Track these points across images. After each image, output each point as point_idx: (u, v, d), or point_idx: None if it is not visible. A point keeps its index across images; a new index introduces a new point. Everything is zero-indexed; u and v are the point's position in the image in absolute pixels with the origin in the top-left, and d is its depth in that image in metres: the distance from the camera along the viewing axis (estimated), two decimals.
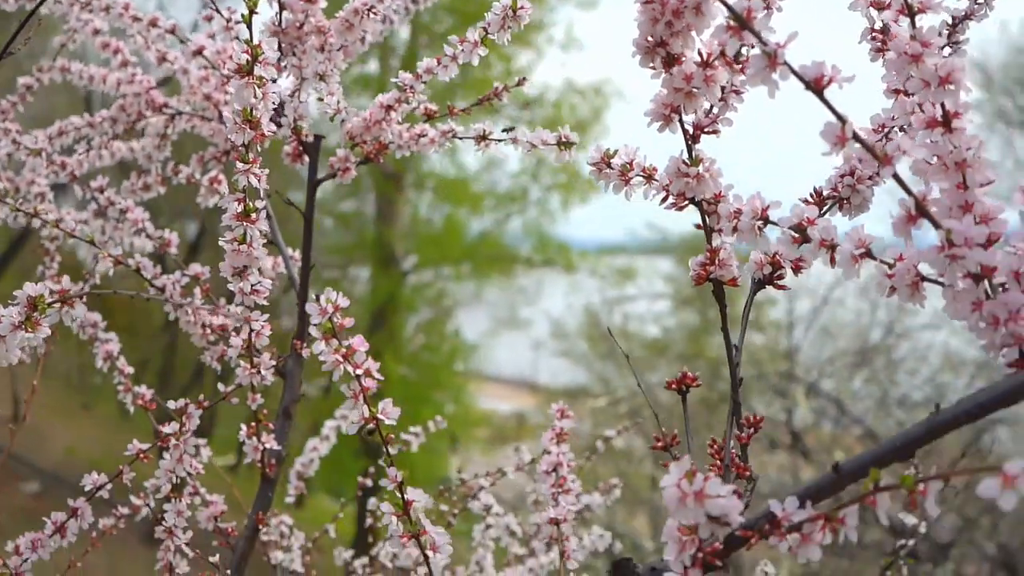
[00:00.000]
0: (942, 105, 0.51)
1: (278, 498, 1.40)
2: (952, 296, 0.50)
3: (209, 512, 0.96)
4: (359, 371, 0.59)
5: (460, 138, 0.92)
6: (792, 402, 5.52)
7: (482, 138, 0.90)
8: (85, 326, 1.07)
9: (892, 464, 0.49)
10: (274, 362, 0.87)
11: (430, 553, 0.61)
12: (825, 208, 0.66)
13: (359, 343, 0.59)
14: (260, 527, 0.95)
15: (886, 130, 0.68)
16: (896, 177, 0.49)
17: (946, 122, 0.51)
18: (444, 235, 11.32)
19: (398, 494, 0.61)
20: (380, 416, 0.60)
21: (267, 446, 0.93)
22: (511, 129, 0.86)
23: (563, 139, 0.80)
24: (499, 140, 0.90)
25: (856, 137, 0.48)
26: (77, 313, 0.64)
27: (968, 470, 0.41)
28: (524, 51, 10.93)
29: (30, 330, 0.65)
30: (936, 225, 0.49)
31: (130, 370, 1.05)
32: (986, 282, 0.51)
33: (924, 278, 0.52)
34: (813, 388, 5.78)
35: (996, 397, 0.47)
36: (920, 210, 0.49)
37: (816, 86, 0.49)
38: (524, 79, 0.95)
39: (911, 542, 1.12)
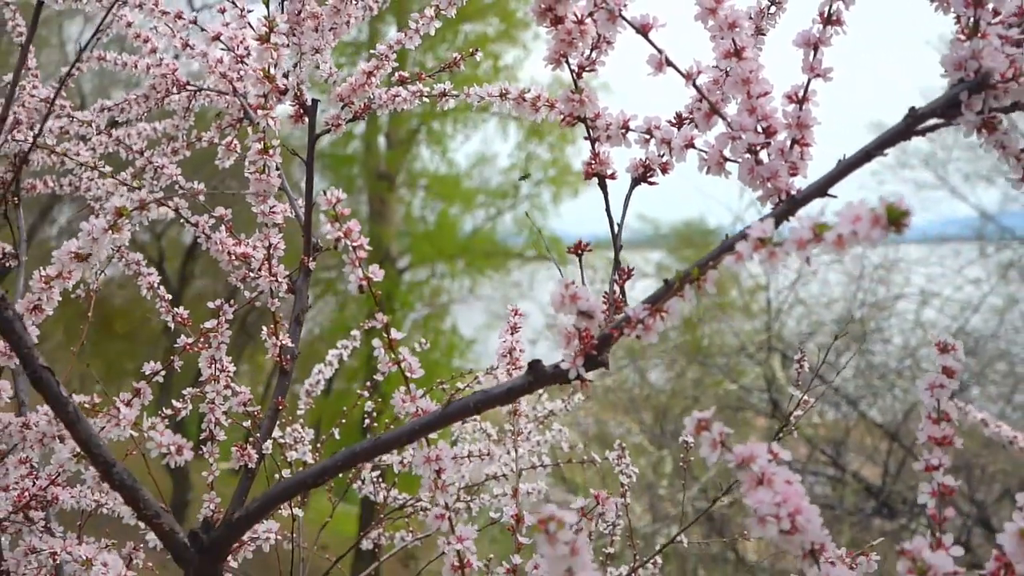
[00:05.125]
0: (733, 41, 0.77)
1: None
2: (739, 166, 0.76)
3: (239, 399, 1.22)
4: (355, 244, 0.85)
5: (427, 97, 1.18)
6: (769, 369, 5.79)
7: (443, 95, 1.16)
8: (130, 264, 1.33)
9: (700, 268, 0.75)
10: (288, 272, 1.13)
11: (408, 373, 0.87)
12: (684, 126, 0.92)
13: (355, 225, 0.85)
14: (280, 409, 1.21)
15: None
16: (696, 88, 0.75)
17: (737, 53, 0.77)
18: (437, 232, 11.58)
19: (385, 334, 0.87)
20: (371, 275, 0.86)
21: (283, 343, 1.19)
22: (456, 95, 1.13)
23: (503, 91, 1.06)
24: (455, 95, 1.16)
25: (668, 62, 0.74)
26: (152, 215, 0.90)
27: (715, 260, 0.66)
28: (512, 49, 11.22)
29: (116, 233, 0.90)
30: (723, 118, 0.75)
31: (169, 296, 1.31)
32: (766, 156, 0.77)
33: (726, 158, 0.78)
34: (789, 358, 6.05)
35: (779, 214, 0.73)
36: (712, 109, 0.75)
37: (644, 31, 0.75)
38: (476, 50, 1.21)
39: (795, 420, 1.37)
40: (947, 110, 0.68)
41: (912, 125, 0.68)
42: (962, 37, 0.68)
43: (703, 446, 0.63)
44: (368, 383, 1.67)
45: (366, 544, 1.68)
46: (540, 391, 1.80)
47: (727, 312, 9.37)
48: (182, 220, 1.22)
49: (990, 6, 0.68)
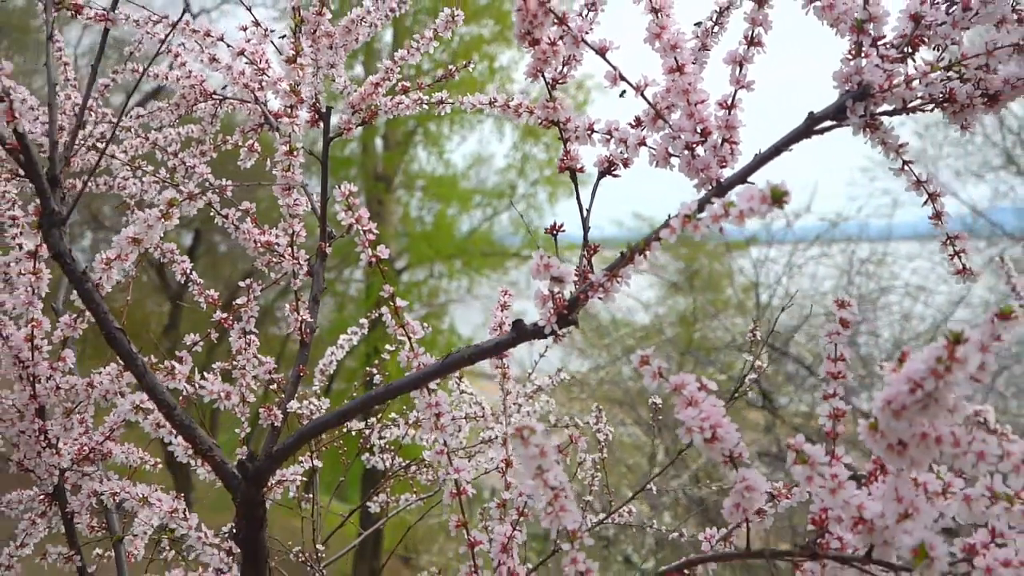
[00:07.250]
0: (675, 59, 0.95)
1: (284, 496, 1.82)
2: (680, 160, 0.94)
3: (264, 368, 1.40)
4: (365, 228, 1.03)
5: (427, 105, 1.36)
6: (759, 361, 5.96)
7: (441, 102, 1.34)
8: (165, 252, 1.51)
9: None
10: (308, 256, 1.31)
11: (411, 334, 1.05)
12: (642, 128, 1.10)
13: (365, 212, 1.03)
14: (301, 375, 1.39)
15: None
16: (644, 97, 0.93)
17: (679, 68, 0.95)
18: (435, 233, 11.76)
19: (391, 302, 1.05)
20: (378, 254, 1.04)
21: (304, 319, 1.37)
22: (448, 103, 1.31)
23: (492, 100, 1.24)
24: (450, 103, 1.34)
25: (621, 76, 0.92)
26: (198, 204, 1.08)
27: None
28: (506, 51, 11.41)
29: (167, 220, 1.08)
30: (665, 121, 0.93)
31: (201, 281, 1.49)
32: (702, 151, 0.95)
33: (671, 154, 0.96)
34: (776, 349, 6.24)
35: (705, 198, 0.91)
36: (657, 115, 0.93)
37: (601, 52, 0.93)
38: (469, 62, 1.39)
39: (752, 379, 1.55)
40: (837, 114, 0.86)
41: (811, 126, 0.87)
42: (849, 56, 0.86)
43: (645, 377, 0.81)
44: (376, 362, 1.85)
45: (373, 508, 1.86)
46: (530, 372, 1.98)
47: (720, 309, 9.57)
48: (213, 212, 1.40)
49: (871, 33, 0.86)
